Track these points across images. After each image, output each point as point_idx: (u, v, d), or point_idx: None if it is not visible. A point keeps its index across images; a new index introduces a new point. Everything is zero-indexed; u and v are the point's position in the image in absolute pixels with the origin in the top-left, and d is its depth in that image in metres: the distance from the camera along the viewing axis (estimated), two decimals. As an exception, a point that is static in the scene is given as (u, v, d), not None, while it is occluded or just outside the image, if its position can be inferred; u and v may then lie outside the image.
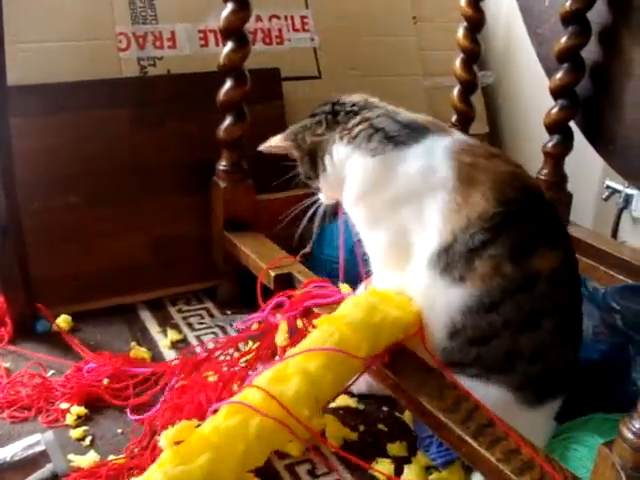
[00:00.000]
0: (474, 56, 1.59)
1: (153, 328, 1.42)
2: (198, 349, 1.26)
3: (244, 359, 1.15)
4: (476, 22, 1.56)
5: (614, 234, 1.76)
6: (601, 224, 1.78)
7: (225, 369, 1.14)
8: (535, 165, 1.57)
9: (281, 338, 1.08)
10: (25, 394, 1.16)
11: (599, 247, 1.42)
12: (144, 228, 1.48)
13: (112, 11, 1.55)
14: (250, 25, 1.45)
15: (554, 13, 1.44)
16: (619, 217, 1.75)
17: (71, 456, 1.04)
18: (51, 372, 1.24)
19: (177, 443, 0.82)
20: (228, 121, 1.41)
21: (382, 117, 1.07)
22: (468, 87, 1.62)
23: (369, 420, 1.18)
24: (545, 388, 0.98)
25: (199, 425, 0.84)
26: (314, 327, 0.98)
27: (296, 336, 1.06)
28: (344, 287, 1.16)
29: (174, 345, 1.36)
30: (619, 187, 1.71)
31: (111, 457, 1.04)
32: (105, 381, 1.20)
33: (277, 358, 1.07)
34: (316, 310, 1.08)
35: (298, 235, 1.26)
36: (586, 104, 1.45)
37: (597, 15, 1.36)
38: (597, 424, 0.96)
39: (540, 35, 1.54)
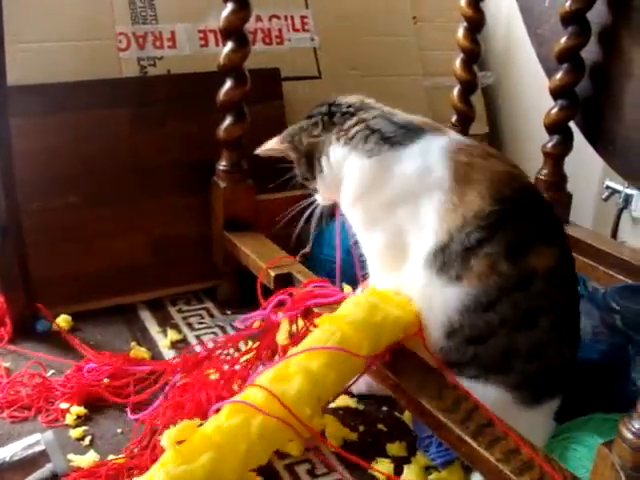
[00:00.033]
0: (474, 56, 1.59)
1: (153, 328, 1.42)
2: (198, 349, 1.26)
3: (245, 358, 1.15)
4: (476, 22, 1.57)
5: (614, 234, 1.76)
6: (601, 224, 1.78)
7: (226, 367, 1.14)
8: (535, 165, 1.57)
9: (282, 337, 1.08)
10: (25, 394, 1.16)
11: (599, 247, 1.42)
12: (144, 228, 1.48)
13: (112, 11, 1.55)
14: (250, 25, 1.45)
15: (554, 13, 1.44)
16: (619, 217, 1.75)
17: (71, 456, 1.04)
18: (51, 372, 1.24)
19: (179, 443, 0.82)
20: (228, 121, 1.41)
21: (378, 118, 1.07)
22: (468, 87, 1.62)
23: (369, 420, 1.18)
24: (543, 387, 0.98)
25: (201, 424, 0.84)
26: (315, 326, 0.98)
27: (297, 336, 1.06)
28: (346, 287, 1.16)
29: (174, 345, 1.36)
30: (619, 187, 1.71)
31: (111, 457, 1.04)
32: (105, 380, 1.20)
33: (277, 358, 1.08)
34: (316, 310, 1.07)
35: (296, 235, 1.27)
36: (586, 104, 1.45)
37: (597, 15, 1.37)
38: (596, 424, 0.96)
39: (540, 35, 1.54)
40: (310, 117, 1.14)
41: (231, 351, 1.19)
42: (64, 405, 1.15)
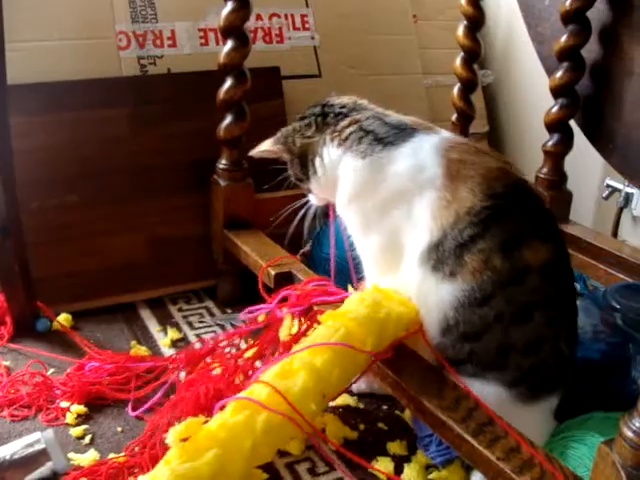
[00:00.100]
0: (474, 55, 1.59)
1: (153, 327, 1.42)
2: (198, 347, 1.26)
3: (249, 352, 1.15)
4: (476, 21, 1.56)
5: (614, 233, 1.76)
6: (601, 223, 1.78)
7: (229, 362, 1.14)
8: (535, 164, 1.57)
9: (284, 333, 1.08)
10: (25, 393, 1.16)
11: (599, 246, 1.42)
12: (144, 227, 1.48)
13: (112, 10, 1.55)
14: (250, 24, 1.45)
15: (554, 12, 1.44)
16: (619, 216, 1.75)
17: (71, 454, 1.05)
18: (51, 370, 1.24)
19: (183, 440, 0.82)
20: (228, 120, 1.41)
21: (371, 119, 1.08)
22: (468, 86, 1.62)
23: (369, 419, 1.18)
24: (541, 384, 0.98)
25: (206, 421, 0.84)
26: (319, 323, 0.99)
27: (298, 333, 1.06)
28: (350, 288, 1.17)
29: (174, 344, 1.36)
30: (619, 186, 1.72)
31: (111, 455, 1.03)
32: (106, 379, 1.20)
33: (276, 354, 1.08)
34: (317, 308, 1.07)
35: (290, 235, 1.27)
36: (586, 103, 1.45)
37: (597, 14, 1.37)
38: (597, 423, 0.96)
39: (540, 34, 1.54)
40: (303, 118, 1.14)
41: (235, 344, 1.19)
42: (64, 404, 1.15)
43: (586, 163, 1.68)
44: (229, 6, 1.32)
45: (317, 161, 1.10)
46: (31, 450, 0.99)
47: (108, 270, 1.45)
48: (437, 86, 1.92)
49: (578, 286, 1.53)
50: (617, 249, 1.41)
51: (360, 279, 1.17)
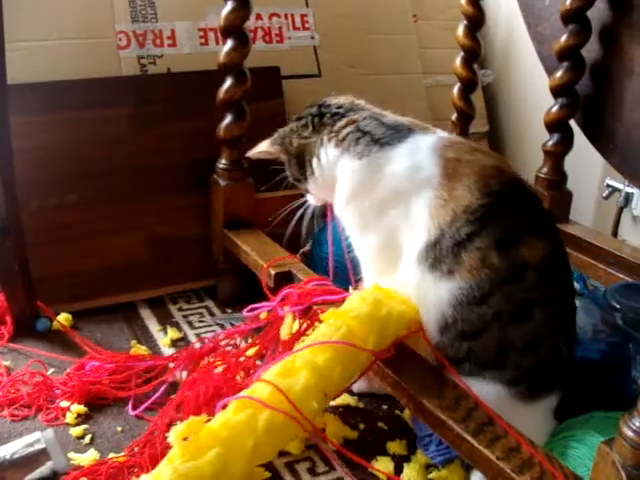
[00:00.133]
0: (474, 54, 1.59)
1: (153, 326, 1.42)
2: (199, 346, 1.26)
3: (250, 351, 1.15)
4: (476, 20, 1.56)
5: (614, 233, 1.76)
6: (601, 223, 1.78)
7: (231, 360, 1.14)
8: (535, 163, 1.57)
9: (285, 332, 1.08)
10: (25, 392, 1.16)
11: (599, 245, 1.42)
12: (144, 226, 1.48)
13: (112, 9, 1.55)
14: (250, 23, 1.45)
15: (554, 11, 1.44)
16: (619, 216, 1.75)
17: (71, 454, 1.05)
18: (51, 370, 1.24)
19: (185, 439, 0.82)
20: (228, 119, 1.41)
21: (368, 119, 1.08)
22: (468, 85, 1.62)
23: (369, 418, 1.18)
24: (539, 382, 0.98)
25: (208, 420, 0.85)
26: (320, 322, 0.99)
27: (298, 332, 1.06)
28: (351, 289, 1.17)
29: (174, 343, 1.36)
30: (619, 186, 1.71)
31: (111, 455, 1.04)
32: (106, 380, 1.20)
33: (276, 353, 1.08)
34: (317, 307, 1.08)
35: (288, 235, 1.28)
36: (586, 102, 1.45)
37: (597, 13, 1.37)
38: (597, 422, 0.96)
39: (540, 33, 1.54)
40: (300, 119, 1.14)
41: (235, 343, 1.19)
42: (64, 403, 1.15)
43: (586, 163, 1.68)
44: (229, 6, 1.32)
45: (314, 161, 1.10)
46: (31, 450, 0.99)
47: (108, 270, 1.45)
48: (437, 86, 1.92)
49: (578, 286, 1.53)
50: (617, 249, 1.41)
51: (358, 280, 1.17)
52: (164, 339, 1.37)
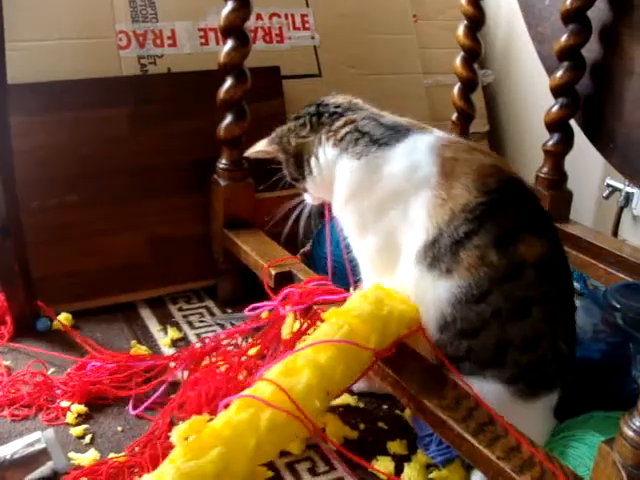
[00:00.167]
0: (475, 54, 1.59)
1: (153, 326, 1.42)
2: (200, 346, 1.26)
3: (252, 350, 1.15)
4: (476, 20, 1.56)
5: (614, 232, 1.76)
6: (601, 222, 1.78)
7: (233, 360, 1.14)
8: (535, 163, 1.57)
9: (286, 331, 1.08)
10: (26, 392, 1.16)
11: (599, 245, 1.42)
12: (144, 226, 1.48)
13: (112, 9, 1.55)
14: (250, 23, 1.45)
15: (554, 11, 1.44)
16: (619, 215, 1.75)
17: (71, 454, 1.05)
18: (52, 370, 1.24)
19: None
20: (228, 119, 1.41)
21: (366, 119, 1.08)
22: (469, 85, 1.62)
23: (369, 418, 1.18)
24: (539, 380, 0.98)
25: (211, 419, 0.84)
26: (322, 321, 0.99)
27: (298, 332, 1.06)
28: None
29: (174, 343, 1.36)
30: (619, 185, 1.71)
31: (111, 455, 1.04)
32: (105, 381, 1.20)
33: (277, 353, 1.08)
34: (317, 307, 1.08)
35: (284, 235, 1.28)
36: (586, 102, 1.45)
37: (597, 13, 1.36)
38: (597, 422, 0.96)
39: (541, 33, 1.54)
40: (298, 118, 1.15)
41: (236, 342, 1.19)
42: (65, 403, 1.15)
43: (586, 163, 1.68)
44: (229, 6, 1.32)
45: (312, 161, 1.11)
46: (32, 449, 0.99)
47: (108, 270, 1.45)
48: (437, 86, 1.92)
49: (578, 285, 1.53)
50: (617, 248, 1.41)
51: (357, 281, 1.17)
52: (164, 339, 1.37)
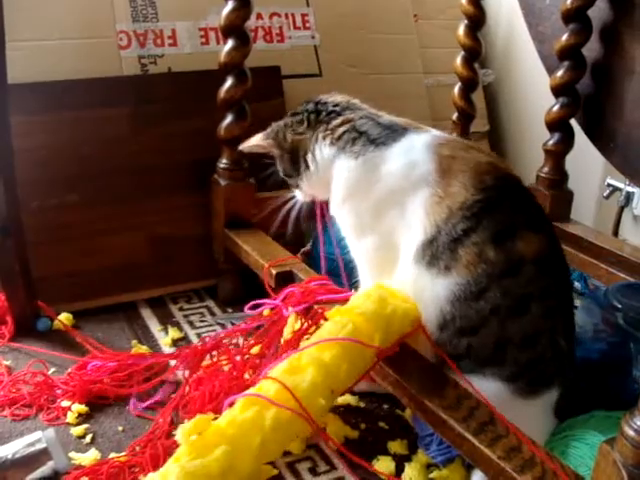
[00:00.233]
0: (475, 54, 1.59)
1: (154, 326, 1.42)
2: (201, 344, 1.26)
3: (254, 349, 1.15)
4: (477, 20, 1.56)
5: (615, 232, 1.76)
6: (602, 222, 1.78)
7: (237, 358, 1.14)
8: (536, 163, 1.57)
9: (288, 330, 1.08)
10: (26, 392, 1.16)
11: (600, 245, 1.42)
12: (145, 226, 1.48)
13: (113, 9, 1.55)
14: (251, 23, 1.45)
15: (555, 11, 1.44)
16: (620, 215, 1.75)
17: (72, 454, 1.05)
18: (52, 370, 1.24)
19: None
20: (229, 119, 1.41)
21: (364, 119, 1.09)
22: (469, 85, 1.62)
23: (370, 418, 1.18)
24: (538, 378, 0.98)
25: (215, 418, 0.85)
26: (326, 319, 0.99)
27: (299, 331, 1.06)
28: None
29: (175, 343, 1.36)
30: (620, 185, 1.71)
31: (112, 455, 1.04)
32: (106, 380, 1.20)
33: (277, 352, 1.08)
34: (318, 306, 1.08)
35: (273, 230, 1.28)
36: (587, 102, 1.45)
37: (598, 12, 1.36)
38: (598, 421, 0.96)
39: (541, 33, 1.54)
40: (295, 114, 1.15)
41: (236, 342, 1.19)
42: (65, 403, 1.15)
43: (587, 162, 1.68)
44: (230, 5, 1.32)
45: (309, 158, 1.11)
46: (32, 449, 0.99)
47: (109, 269, 1.45)
48: (438, 85, 1.92)
49: (579, 285, 1.53)
50: (618, 248, 1.41)
51: (355, 282, 1.17)
52: (165, 339, 1.37)
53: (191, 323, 1.44)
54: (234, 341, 1.19)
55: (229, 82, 1.38)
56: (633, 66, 1.30)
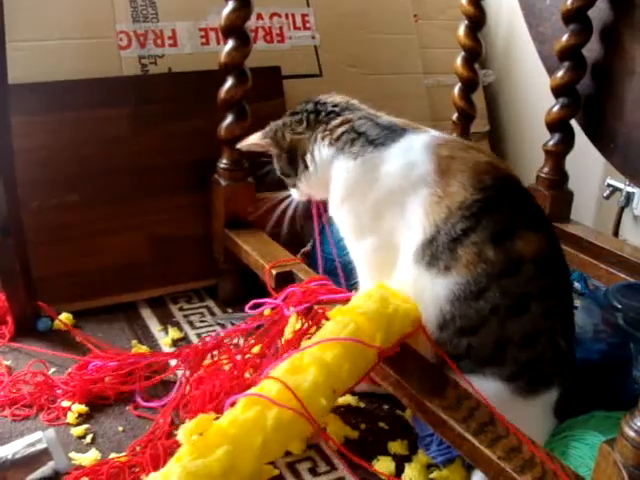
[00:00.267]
0: (475, 54, 1.59)
1: (154, 326, 1.42)
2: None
3: (255, 348, 1.15)
4: (477, 20, 1.56)
5: (615, 232, 1.76)
6: (602, 222, 1.78)
7: (238, 357, 1.14)
8: (536, 163, 1.57)
9: (289, 330, 1.08)
10: (27, 392, 1.16)
11: (600, 245, 1.42)
12: (145, 226, 1.48)
13: (113, 9, 1.55)
14: (251, 23, 1.45)
15: (555, 11, 1.44)
16: (620, 215, 1.75)
17: (72, 454, 1.05)
18: (52, 370, 1.24)
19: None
20: (229, 119, 1.41)
21: (363, 120, 1.09)
22: (469, 85, 1.62)
23: (370, 418, 1.18)
24: (538, 377, 0.98)
25: (217, 418, 0.84)
26: (327, 319, 0.99)
27: (299, 331, 1.06)
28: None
29: (175, 343, 1.36)
30: (620, 185, 1.71)
31: (112, 455, 1.04)
32: (107, 379, 1.20)
33: (277, 352, 1.08)
34: (318, 307, 1.08)
35: (268, 229, 1.29)
36: (587, 102, 1.45)
37: (598, 13, 1.36)
38: (598, 422, 0.96)
39: (541, 33, 1.54)
40: (294, 114, 1.15)
41: (236, 342, 1.19)
42: (66, 403, 1.15)
43: (587, 162, 1.68)
44: (230, 5, 1.32)
45: (308, 157, 1.11)
46: (33, 449, 0.99)
47: (109, 269, 1.45)
48: (438, 85, 1.92)
49: (579, 285, 1.53)
50: (618, 248, 1.41)
51: (354, 284, 1.17)
52: (165, 339, 1.37)
53: (191, 323, 1.44)
54: (235, 341, 1.19)
55: (229, 82, 1.38)
56: (633, 67, 1.30)
